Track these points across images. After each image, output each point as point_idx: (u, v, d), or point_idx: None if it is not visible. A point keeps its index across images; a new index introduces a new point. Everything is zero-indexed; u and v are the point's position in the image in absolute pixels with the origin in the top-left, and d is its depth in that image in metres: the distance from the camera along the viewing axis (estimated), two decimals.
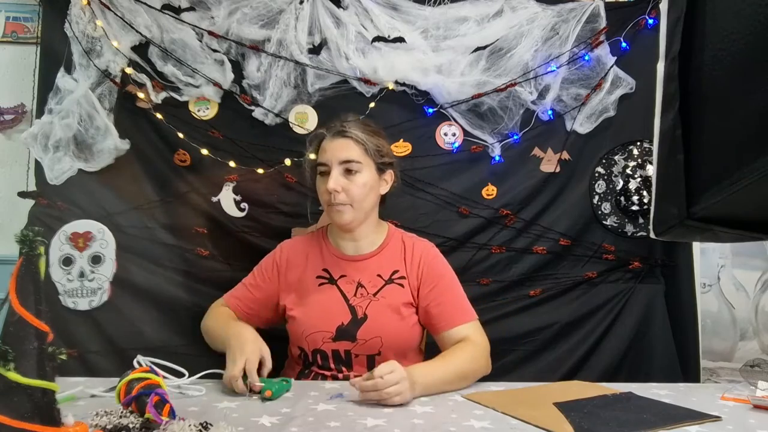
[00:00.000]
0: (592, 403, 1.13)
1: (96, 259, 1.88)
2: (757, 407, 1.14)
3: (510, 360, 1.92)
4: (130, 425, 0.88)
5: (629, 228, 1.99)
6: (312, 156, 1.49)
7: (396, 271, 1.42)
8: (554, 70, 1.92)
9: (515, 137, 1.95)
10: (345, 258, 1.45)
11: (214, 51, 1.90)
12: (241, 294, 1.49)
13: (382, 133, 1.47)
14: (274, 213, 1.94)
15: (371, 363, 1.35)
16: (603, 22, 1.93)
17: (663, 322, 1.94)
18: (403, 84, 1.93)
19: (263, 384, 1.13)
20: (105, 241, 1.89)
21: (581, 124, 1.96)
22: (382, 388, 1.07)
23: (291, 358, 1.49)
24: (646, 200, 1.97)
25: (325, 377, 1.38)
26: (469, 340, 1.35)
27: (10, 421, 0.68)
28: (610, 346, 1.93)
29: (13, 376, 0.69)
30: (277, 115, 1.92)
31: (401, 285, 1.41)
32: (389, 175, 1.46)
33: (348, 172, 1.37)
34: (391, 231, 1.51)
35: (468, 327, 1.38)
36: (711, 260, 1.96)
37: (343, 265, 1.44)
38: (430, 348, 1.46)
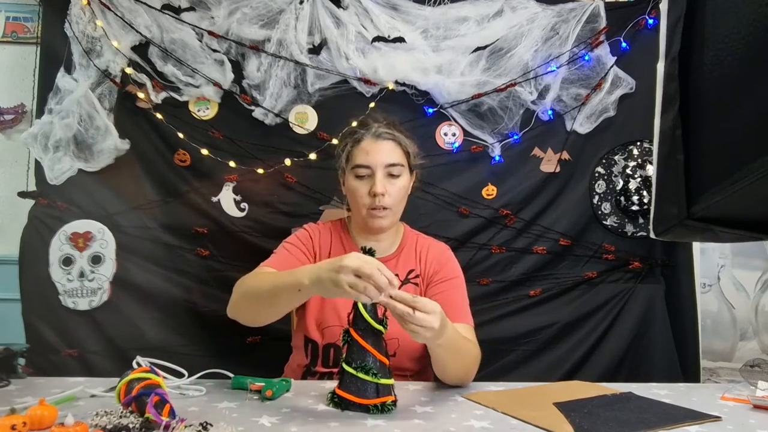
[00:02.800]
0: (592, 403, 1.13)
1: (96, 259, 1.89)
2: (757, 407, 1.14)
3: (510, 360, 1.92)
4: (130, 425, 0.88)
5: (629, 228, 1.99)
6: (342, 149, 1.38)
7: (412, 270, 1.42)
8: (554, 70, 1.92)
9: (515, 137, 1.95)
10: None
11: (214, 51, 1.91)
12: (285, 257, 1.35)
13: (409, 133, 1.43)
14: (274, 213, 1.94)
15: None
16: (603, 22, 1.93)
17: (663, 322, 1.94)
18: (403, 84, 1.93)
19: (263, 384, 1.13)
20: (105, 241, 1.89)
21: (581, 124, 1.96)
22: (419, 308, 1.02)
23: (295, 351, 1.46)
24: (646, 200, 1.97)
25: (331, 376, 1.37)
26: (473, 342, 1.32)
27: None
28: (610, 346, 1.94)
29: None
30: (277, 115, 1.92)
31: (416, 284, 1.41)
32: (415, 176, 1.45)
33: (390, 175, 1.33)
34: (407, 232, 1.49)
35: (465, 328, 1.33)
36: (711, 260, 1.96)
37: None
38: None
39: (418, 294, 1.37)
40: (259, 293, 1.21)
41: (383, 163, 1.32)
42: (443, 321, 1.08)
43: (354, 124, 1.42)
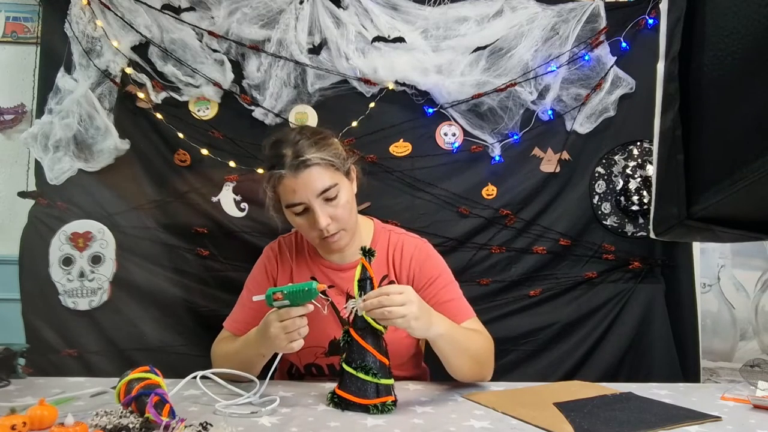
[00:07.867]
0: (592, 403, 1.13)
1: (96, 259, 1.89)
2: (757, 407, 1.14)
3: (510, 360, 1.92)
4: (130, 425, 0.89)
5: (629, 228, 1.99)
6: (270, 190, 1.31)
7: (385, 276, 1.36)
8: (554, 70, 1.92)
9: (515, 137, 1.95)
10: (332, 267, 1.38)
11: (214, 51, 1.90)
12: (241, 316, 1.40)
13: (328, 134, 1.33)
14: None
15: None
16: (603, 22, 1.93)
17: (663, 322, 1.94)
18: (403, 84, 1.93)
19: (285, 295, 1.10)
20: (105, 241, 1.89)
21: (581, 124, 1.96)
22: (388, 304, 1.04)
23: (279, 372, 1.44)
24: (646, 200, 1.97)
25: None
26: (480, 332, 1.29)
27: None
28: (610, 346, 1.93)
29: None
30: (277, 115, 1.92)
31: None
32: (353, 173, 1.35)
33: (327, 199, 1.25)
34: (377, 230, 1.42)
35: (471, 323, 1.31)
36: (711, 260, 1.96)
37: (331, 274, 1.37)
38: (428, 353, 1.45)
39: None
40: (233, 363, 1.25)
41: (315, 193, 1.22)
42: (420, 302, 1.10)
43: (266, 150, 1.30)
